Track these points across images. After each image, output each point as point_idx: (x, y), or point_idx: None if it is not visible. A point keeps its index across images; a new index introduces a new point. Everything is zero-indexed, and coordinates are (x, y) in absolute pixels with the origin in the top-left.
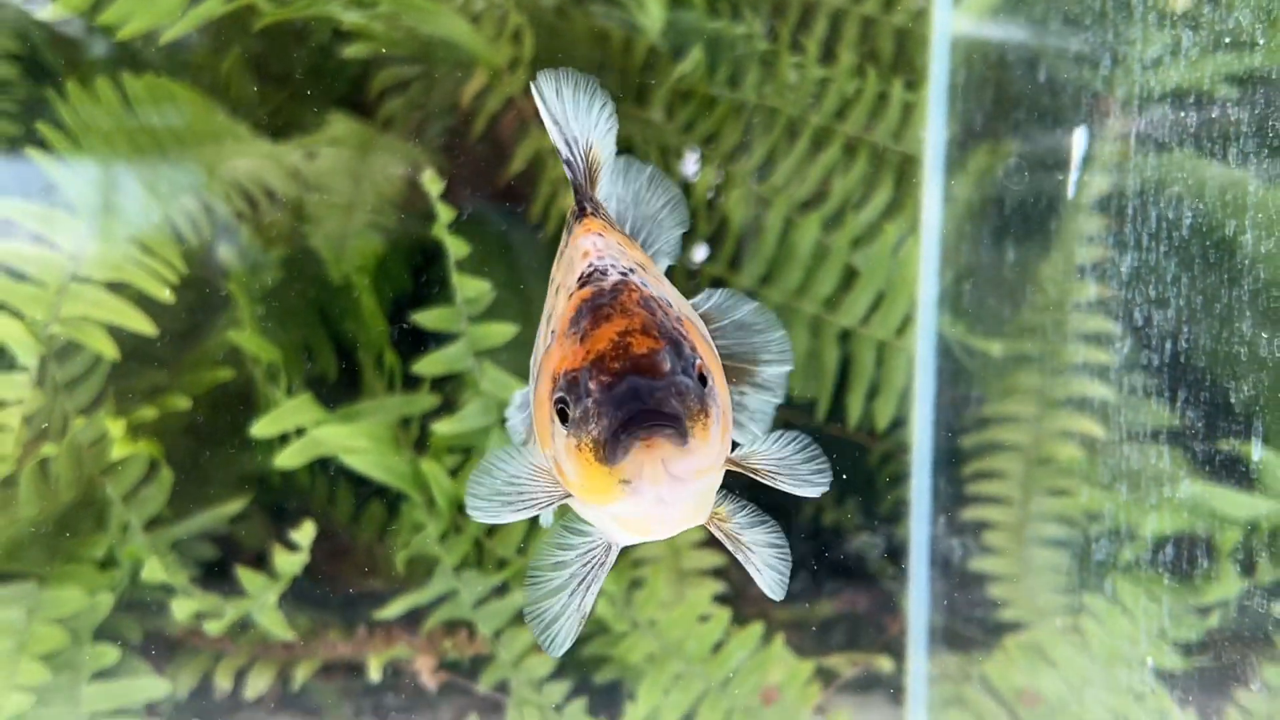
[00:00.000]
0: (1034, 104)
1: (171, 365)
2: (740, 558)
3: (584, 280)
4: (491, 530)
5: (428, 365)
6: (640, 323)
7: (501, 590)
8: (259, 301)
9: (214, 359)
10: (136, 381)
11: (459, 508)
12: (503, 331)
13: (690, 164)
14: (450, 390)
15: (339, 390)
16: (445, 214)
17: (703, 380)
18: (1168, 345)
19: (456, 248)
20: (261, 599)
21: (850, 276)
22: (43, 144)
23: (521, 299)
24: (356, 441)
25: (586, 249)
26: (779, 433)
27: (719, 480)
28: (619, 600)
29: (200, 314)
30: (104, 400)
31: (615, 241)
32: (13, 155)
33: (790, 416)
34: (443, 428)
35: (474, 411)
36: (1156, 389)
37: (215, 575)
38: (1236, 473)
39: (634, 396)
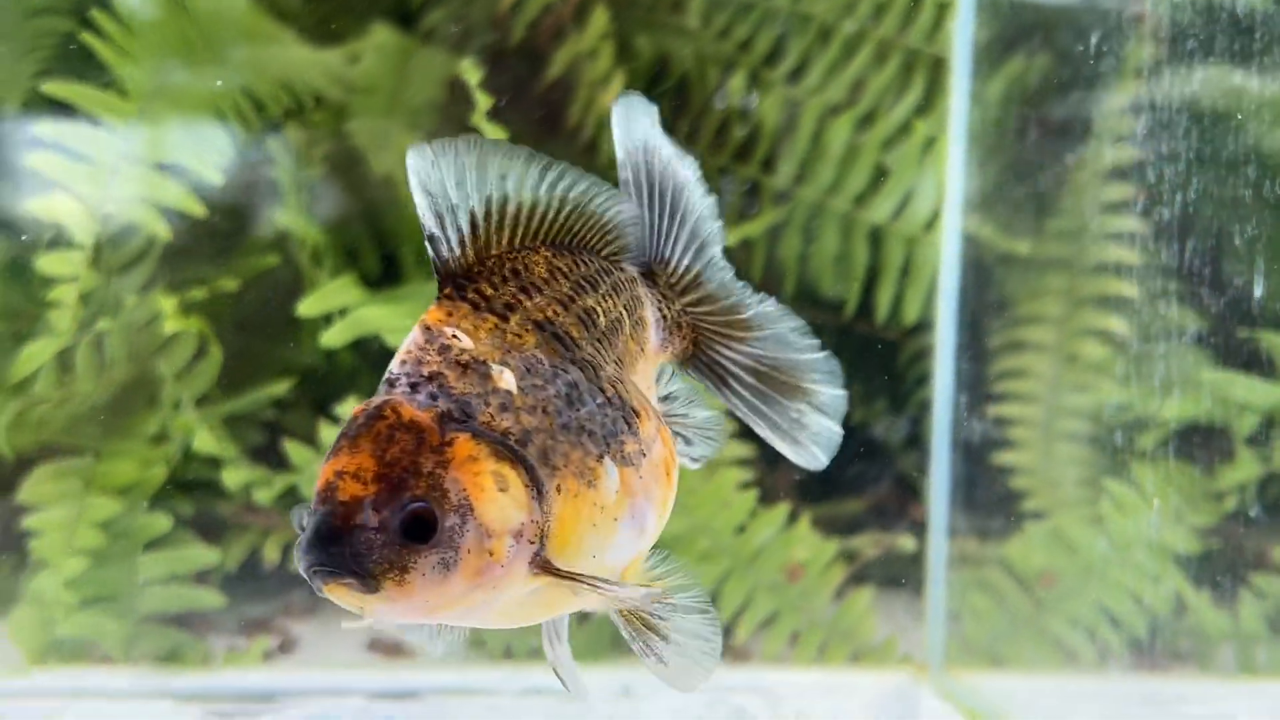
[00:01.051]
0: (1065, 6)
1: (220, 250)
2: (631, 638)
3: (380, 384)
4: None
5: None
6: (358, 464)
7: None
8: (304, 191)
9: (261, 245)
10: (187, 264)
11: None
12: None
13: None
14: None
15: (381, 281)
16: (484, 101)
17: (422, 526)
18: (1191, 244)
19: (495, 135)
20: (308, 472)
21: (880, 176)
22: (99, 33)
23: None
24: (399, 321)
25: (406, 344)
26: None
27: (558, 590)
28: None
29: (247, 202)
30: (156, 281)
31: (454, 332)
32: (68, 43)
33: (818, 315)
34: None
35: None
36: (1180, 287)
37: (263, 452)
38: (1259, 364)
39: (316, 544)
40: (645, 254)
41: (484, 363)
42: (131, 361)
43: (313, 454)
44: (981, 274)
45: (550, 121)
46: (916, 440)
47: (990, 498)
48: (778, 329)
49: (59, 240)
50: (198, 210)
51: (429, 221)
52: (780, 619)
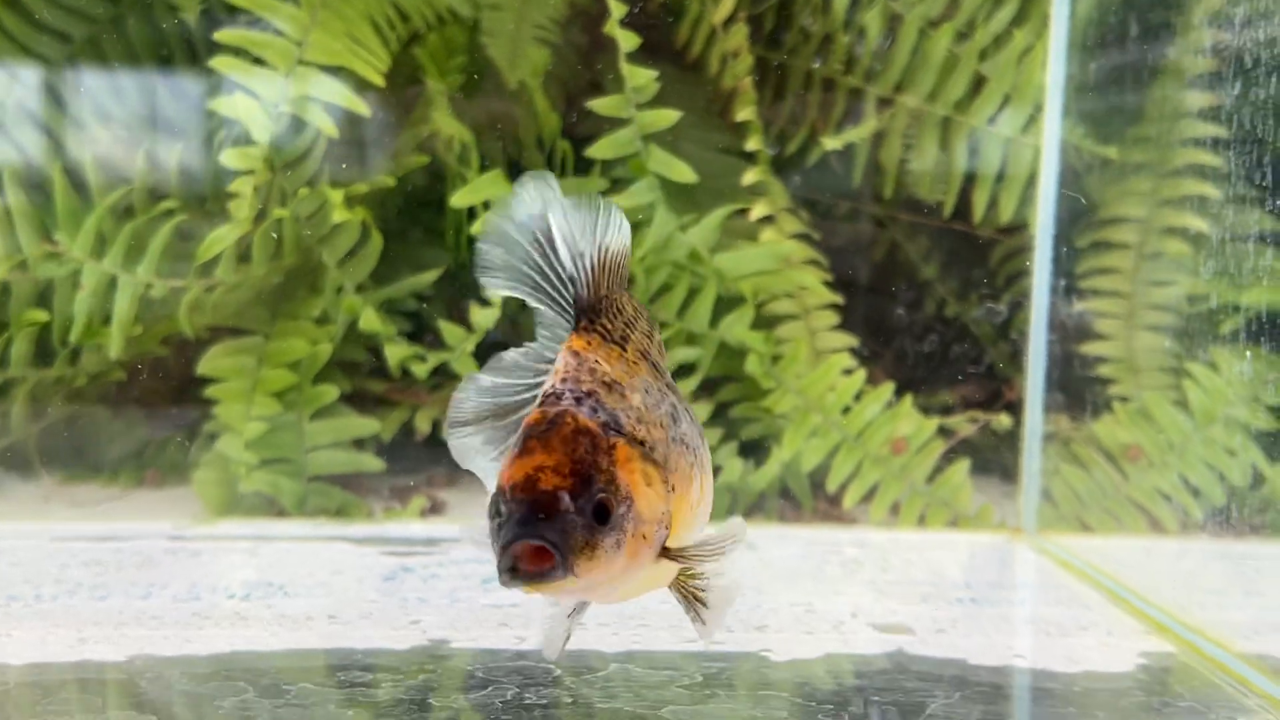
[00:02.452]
0: None
1: (378, 148)
2: (684, 607)
3: (542, 401)
4: (655, 297)
5: (600, 149)
6: (555, 461)
7: (666, 348)
8: (448, 97)
9: (412, 145)
10: (349, 160)
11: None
12: (667, 117)
13: None
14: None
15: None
16: (617, 10)
17: (605, 512)
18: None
19: (627, 40)
20: (460, 349)
21: (979, 83)
22: None
23: (681, 89)
24: None
25: (559, 367)
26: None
27: (659, 568)
28: (765, 360)
29: (398, 106)
30: (321, 176)
31: (595, 359)
32: None
33: (917, 216)
34: (615, 202)
35: (643, 188)
36: (1261, 187)
37: (417, 333)
38: None
39: (527, 522)
40: None
41: (620, 384)
42: (299, 249)
43: (464, 334)
44: (1071, 178)
45: (658, 37)
46: (1011, 329)
47: (1080, 381)
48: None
49: (240, 137)
50: (363, 110)
51: (568, 263)
52: (884, 488)
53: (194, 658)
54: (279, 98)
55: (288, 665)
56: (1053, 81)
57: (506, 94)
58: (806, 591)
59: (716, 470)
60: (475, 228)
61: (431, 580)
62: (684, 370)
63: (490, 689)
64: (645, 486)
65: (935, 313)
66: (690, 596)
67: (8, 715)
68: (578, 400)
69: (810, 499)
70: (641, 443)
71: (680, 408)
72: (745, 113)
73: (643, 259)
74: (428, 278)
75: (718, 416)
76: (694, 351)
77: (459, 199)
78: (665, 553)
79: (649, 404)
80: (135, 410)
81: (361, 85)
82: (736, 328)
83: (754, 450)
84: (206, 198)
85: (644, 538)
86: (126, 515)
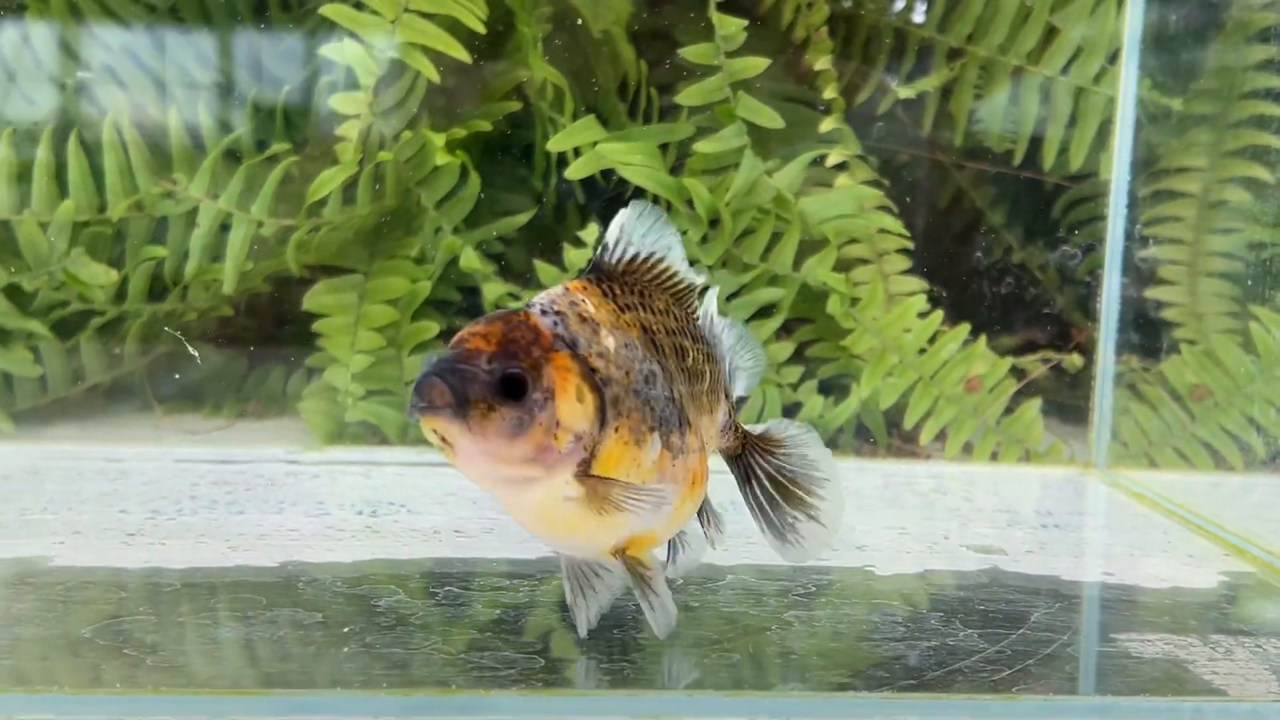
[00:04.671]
0: None
1: (473, 93)
2: (637, 593)
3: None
4: (740, 240)
5: (689, 97)
6: (488, 332)
7: (748, 287)
8: (539, 44)
9: (504, 91)
10: (447, 105)
11: (712, 221)
12: (757, 64)
13: None
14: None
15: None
16: None
17: (516, 385)
18: None
19: None
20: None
21: (1050, 34)
22: None
23: (750, 39)
24: (632, 157)
25: (548, 292)
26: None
27: (591, 515)
28: (845, 301)
29: (490, 54)
30: (420, 120)
31: (583, 299)
32: None
33: (986, 164)
34: (704, 147)
35: (731, 133)
36: None
37: (512, 272)
38: None
39: (436, 365)
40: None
41: (598, 324)
42: (398, 191)
43: (558, 272)
44: (1138, 127)
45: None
46: (1079, 273)
47: (1149, 324)
48: (805, 449)
49: (347, 82)
50: (465, 56)
51: (612, 238)
52: (959, 425)
53: (340, 564)
54: (387, 45)
55: (428, 571)
56: (1130, 32)
57: (590, 42)
58: (895, 518)
59: (796, 406)
60: (568, 173)
61: None
62: (765, 311)
63: (621, 595)
64: (574, 399)
65: (1002, 257)
66: (639, 578)
67: (183, 611)
68: (543, 311)
69: (885, 435)
70: (593, 370)
71: (667, 383)
72: (821, 62)
73: (728, 203)
74: (519, 220)
75: (796, 355)
76: (777, 292)
77: (555, 143)
78: (588, 477)
79: (622, 353)
80: (238, 344)
81: (459, 30)
82: (819, 269)
83: (832, 388)
84: (307, 140)
85: (554, 439)
86: (236, 442)
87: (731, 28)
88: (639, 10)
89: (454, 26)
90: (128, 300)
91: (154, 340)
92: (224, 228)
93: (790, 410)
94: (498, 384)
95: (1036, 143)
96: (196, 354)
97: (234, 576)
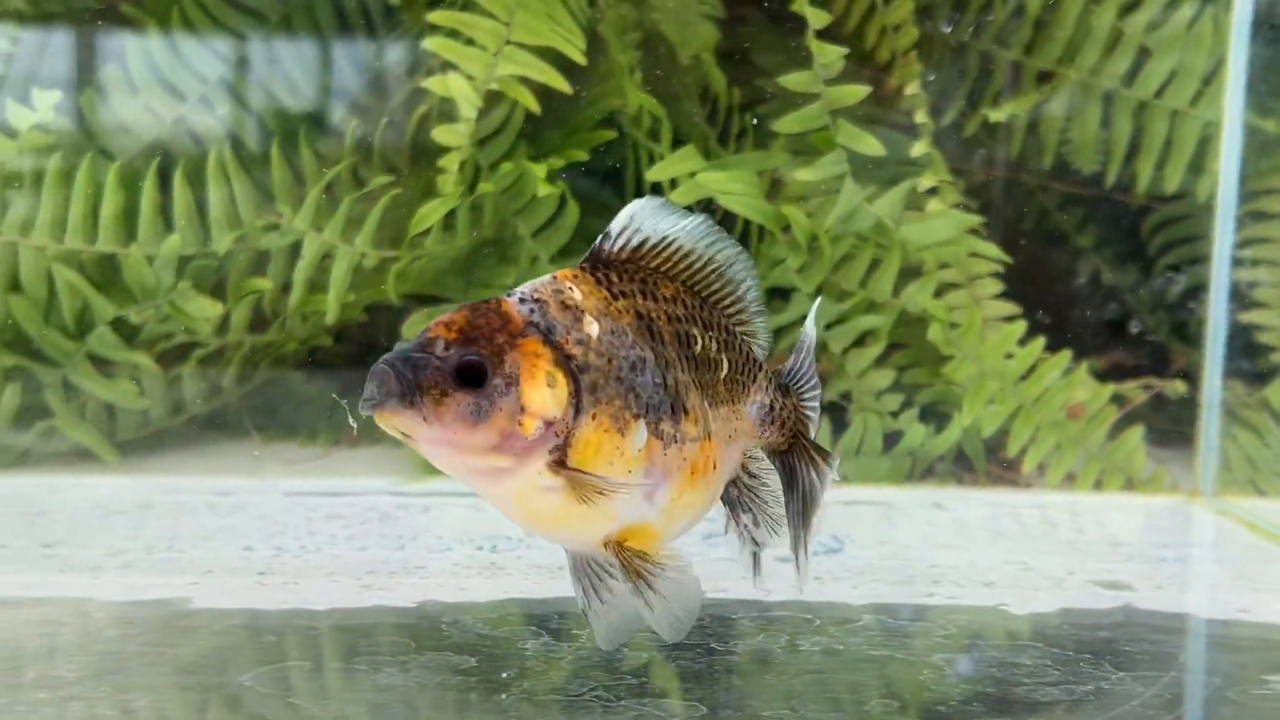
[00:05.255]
0: None
1: (567, 122)
2: (631, 589)
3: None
4: (837, 267)
5: (787, 124)
6: (451, 320)
7: (848, 316)
8: (633, 73)
9: (596, 119)
10: (543, 135)
11: (810, 244)
12: (857, 92)
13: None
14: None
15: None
16: None
17: (473, 372)
18: None
19: (817, 18)
20: None
21: (1144, 55)
22: None
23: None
24: (732, 186)
25: (534, 281)
26: None
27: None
28: (945, 329)
29: (580, 81)
30: (517, 150)
31: (571, 288)
32: None
33: (1075, 187)
34: (804, 174)
35: (831, 161)
36: None
37: None
38: None
39: (390, 356)
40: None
41: (582, 311)
42: (495, 223)
43: None
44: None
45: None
46: (1178, 297)
47: (1251, 349)
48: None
49: (449, 114)
50: (565, 88)
51: (616, 227)
52: (1061, 453)
53: (476, 604)
54: (489, 77)
55: (564, 610)
56: (1235, 55)
57: (679, 68)
58: (1012, 551)
59: (897, 435)
60: (673, 199)
61: None
62: (863, 339)
63: (762, 636)
64: (543, 384)
65: (1094, 281)
66: (633, 572)
67: (336, 655)
68: (521, 300)
69: (984, 463)
70: (569, 356)
71: (660, 370)
72: (911, 86)
73: (827, 229)
74: None
75: (895, 384)
76: (877, 319)
77: (655, 173)
78: (561, 466)
79: (605, 339)
80: (331, 371)
81: (558, 60)
82: (919, 296)
83: (930, 416)
84: (403, 170)
85: (519, 425)
86: (336, 473)
87: (831, 55)
88: (724, 34)
89: (553, 56)
90: (230, 332)
91: (252, 370)
92: (324, 257)
93: (891, 439)
94: (452, 370)
95: (1129, 164)
96: (355, 426)
97: (375, 617)
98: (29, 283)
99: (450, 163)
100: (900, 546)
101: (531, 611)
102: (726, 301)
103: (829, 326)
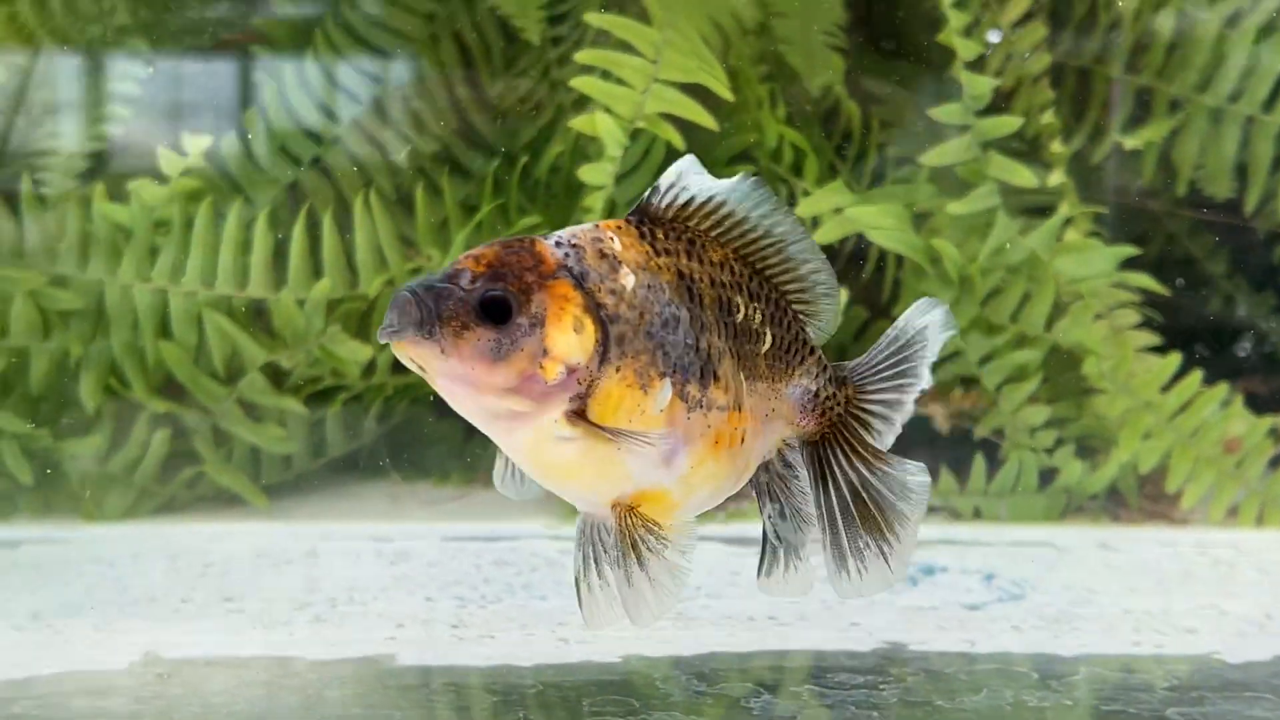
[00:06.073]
0: None
1: (704, 158)
2: (618, 563)
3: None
4: (989, 296)
5: (936, 157)
6: (481, 253)
7: (1000, 351)
8: (764, 106)
9: (730, 155)
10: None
11: (961, 280)
12: (1009, 124)
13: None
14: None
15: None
16: (956, 19)
17: (498, 307)
18: None
19: (966, 49)
20: None
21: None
22: None
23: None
24: (882, 220)
25: (575, 227)
26: None
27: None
28: (1101, 363)
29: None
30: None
31: (613, 237)
32: None
33: (1212, 214)
34: (955, 208)
35: (983, 194)
36: None
37: None
38: None
39: (415, 283)
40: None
41: (620, 262)
42: None
43: None
44: None
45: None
46: None
47: None
48: (908, 476)
49: (595, 152)
50: (712, 124)
51: (665, 182)
52: (1221, 487)
53: (681, 657)
54: (634, 114)
55: (769, 665)
56: None
57: (806, 99)
58: (1202, 593)
59: (1052, 472)
60: (820, 235)
61: None
62: (1016, 375)
63: (984, 693)
64: (569, 329)
65: (1232, 308)
66: (630, 542)
67: (565, 717)
68: (557, 243)
69: (1137, 498)
70: (600, 305)
71: (694, 331)
72: (1046, 116)
73: (978, 262)
74: None
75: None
76: (1029, 354)
77: (804, 208)
78: (579, 417)
79: (640, 293)
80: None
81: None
82: (1074, 330)
83: (1086, 452)
84: (542, 208)
85: (541, 368)
86: (481, 515)
87: (980, 87)
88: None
89: (697, 91)
90: (375, 374)
91: (390, 411)
92: None
93: (1046, 476)
94: (476, 304)
95: (1268, 191)
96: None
97: (586, 674)
98: (179, 328)
99: (595, 201)
100: (1085, 591)
101: (739, 666)
102: (785, 277)
103: (982, 362)
